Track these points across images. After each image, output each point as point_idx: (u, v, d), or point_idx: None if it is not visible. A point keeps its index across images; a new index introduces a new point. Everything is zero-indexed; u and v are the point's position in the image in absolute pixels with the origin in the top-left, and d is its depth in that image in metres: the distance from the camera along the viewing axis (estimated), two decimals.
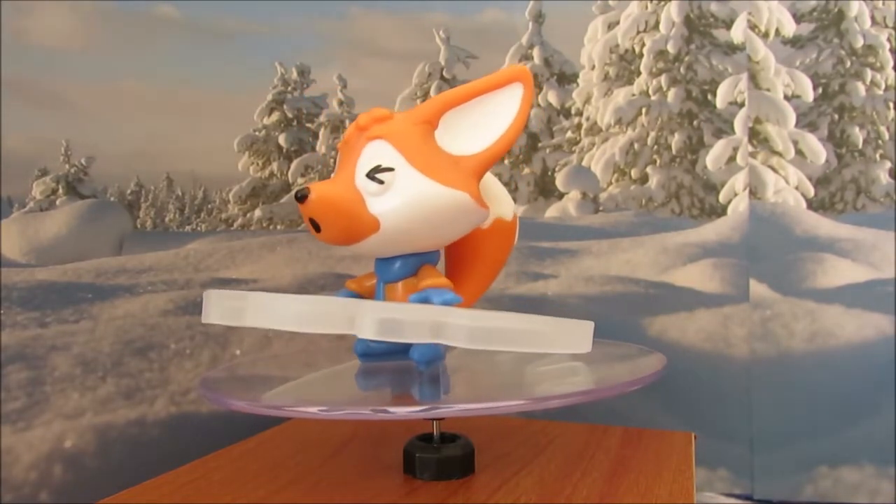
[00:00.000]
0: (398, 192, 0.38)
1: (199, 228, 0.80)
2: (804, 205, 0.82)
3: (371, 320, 0.34)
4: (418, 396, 0.40)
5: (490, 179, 0.46)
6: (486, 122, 0.41)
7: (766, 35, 0.83)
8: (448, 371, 0.42)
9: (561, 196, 0.88)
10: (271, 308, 0.35)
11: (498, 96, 0.41)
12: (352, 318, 0.34)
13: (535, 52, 0.89)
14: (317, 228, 0.39)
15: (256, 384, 0.47)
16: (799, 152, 0.83)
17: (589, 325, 0.38)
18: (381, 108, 0.41)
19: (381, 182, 0.38)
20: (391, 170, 0.38)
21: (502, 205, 0.45)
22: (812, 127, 0.84)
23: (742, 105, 0.83)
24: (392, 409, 0.36)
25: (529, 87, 0.41)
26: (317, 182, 0.40)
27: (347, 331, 0.34)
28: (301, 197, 0.38)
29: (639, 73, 0.87)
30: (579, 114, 0.89)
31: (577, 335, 0.37)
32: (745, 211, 0.82)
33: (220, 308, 0.37)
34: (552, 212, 0.87)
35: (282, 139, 0.85)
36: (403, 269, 0.41)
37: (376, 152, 0.39)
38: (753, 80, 0.83)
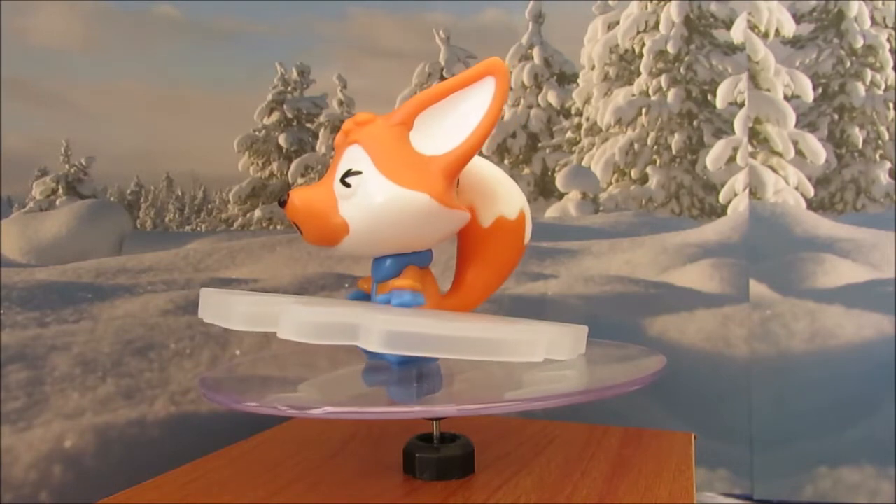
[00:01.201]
0: (362, 196, 0.39)
1: (199, 228, 0.80)
2: (804, 205, 0.82)
3: (289, 323, 0.34)
4: (415, 396, 0.40)
5: (493, 177, 0.45)
6: (460, 119, 0.40)
7: (766, 35, 0.83)
8: (447, 371, 0.42)
9: (561, 196, 0.88)
10: (222, 307, 0.37)
11: (471, 92, 0.40)
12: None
13: (535, 52, 0.89)
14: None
15: (256, 384, 0.47)
16: (799, 152, 0.83)
17: (542, 332, 0.36)
18: (364, 113, 0.41)
19: (349, 186, 0.39)
20: (359, 173, 0.39)
21: (504, 203, 0.44)
22: (812, 127, 0.84)
23: (742, 105, 0.83)
24: (390, 409, 0.36)
25: (502, 80, 0.40)
26: (299, 187, 0.41)
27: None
28: (282, 202, 0.40)
29: (639, 74, 0.87)
30: (579, 114, 0.89)
31: (526, 344, 0.35)
32: (745, 211, 0.82)
33: (205, 306, 0.39)
34: (552, 212, 0.87)
35: (282, 139, 0.85)
36: (392, 268, 0.42)
37: (352, 156, 0.40)
38: (753, 80, 0.83)
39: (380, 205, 0.38)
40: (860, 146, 0.83)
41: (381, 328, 0.33)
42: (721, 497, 0.79)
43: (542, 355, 0.35)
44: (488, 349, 0.35)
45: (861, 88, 0.83)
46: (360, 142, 0.40)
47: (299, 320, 0.34)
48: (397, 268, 0.42)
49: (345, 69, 0.87)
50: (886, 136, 0.82)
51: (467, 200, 0.44)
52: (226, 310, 0.37)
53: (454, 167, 0.40)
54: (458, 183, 0.42)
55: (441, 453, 0.42)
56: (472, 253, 0.45)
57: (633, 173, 0.87)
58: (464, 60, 0.88)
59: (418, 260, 0.42)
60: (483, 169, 0.45)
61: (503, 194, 0.45)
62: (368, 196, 0.38)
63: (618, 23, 0.88)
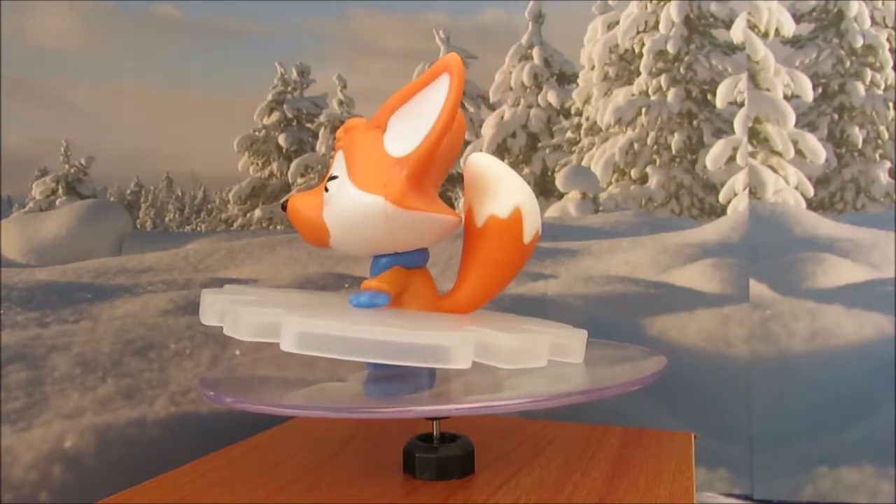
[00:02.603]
0: (335, 200, 0.40)
1: (199, 228, 0.80)
2: (804, 205, 0.82)
3: (232, 321, 0.36)
4: (389, 395, 0.40)
5: (489, 175, 0.43)
6: (423, 118, 0.40)
7: (765, 35, 0.83)
8: (446, 371, 0.42)
9: (561, 196, 0.88)
10: (204, 304, 0.40)
11: (431, 90, 0.40)
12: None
13: (535, 52, 0.89)
14: None
15: (256, 384, 0.47)
16: (799, 152, 0.83)
17: (469, 339, 0.35)
18: (353, 119, 0.42)
19: (328, 191, 0.40)
20: (336, 178, 0.40)
21: (495, 202, 0.43)
22: (812, 127, 0.84)
23: (742, 105, 0.83)
24: (390, 409, 0.36)
25: (456, 77, 0.39)
26: (298, 192, 0.42)
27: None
28: (283, 206, 0.42)
29: (638, 73, 0.87)
30: (579, 114, 0.89)
31: (447, 350, 0.34)
32: (744, 211, 0.82)
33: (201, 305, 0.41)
34: (552, 212, 0.87)
35: (282, 139, 0.85)
36: (385, 268, 0.42)
37: (336, 162, 0.41)
38: (753, 80, 0.83)
39: (340, 208, 0.40)
40: (860, 146, 0.83)
41: (293, 329, 0.34)
42: (721, 497, 0.79)
43: (467, 362, 0.34)
44: (405, 354, 0.34)
45: (861, 88, 0.83)
46: (343, 148, 0.41)
47: (239, 320, 0.36)
48: (389, 267, 0.42)
49: (345, 69, 0.87)
50: (886, 136, 0.82)
51: (467, 199, 0.44)
52: (204, 307, 0.40)
53: (415, 168, 0.39)
54: (462, 182, 0.43)
55: (441, 453, 0.42)
56: (470, 253, 0.45)
57: (633, 173, 0.87)
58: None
59: (408, 260, 0.42)
60: (480, 166, 0.44)
61: (496, 192, 0.43)
62: (338, 200, 0.40)
63: (618, 23, 0.88)
